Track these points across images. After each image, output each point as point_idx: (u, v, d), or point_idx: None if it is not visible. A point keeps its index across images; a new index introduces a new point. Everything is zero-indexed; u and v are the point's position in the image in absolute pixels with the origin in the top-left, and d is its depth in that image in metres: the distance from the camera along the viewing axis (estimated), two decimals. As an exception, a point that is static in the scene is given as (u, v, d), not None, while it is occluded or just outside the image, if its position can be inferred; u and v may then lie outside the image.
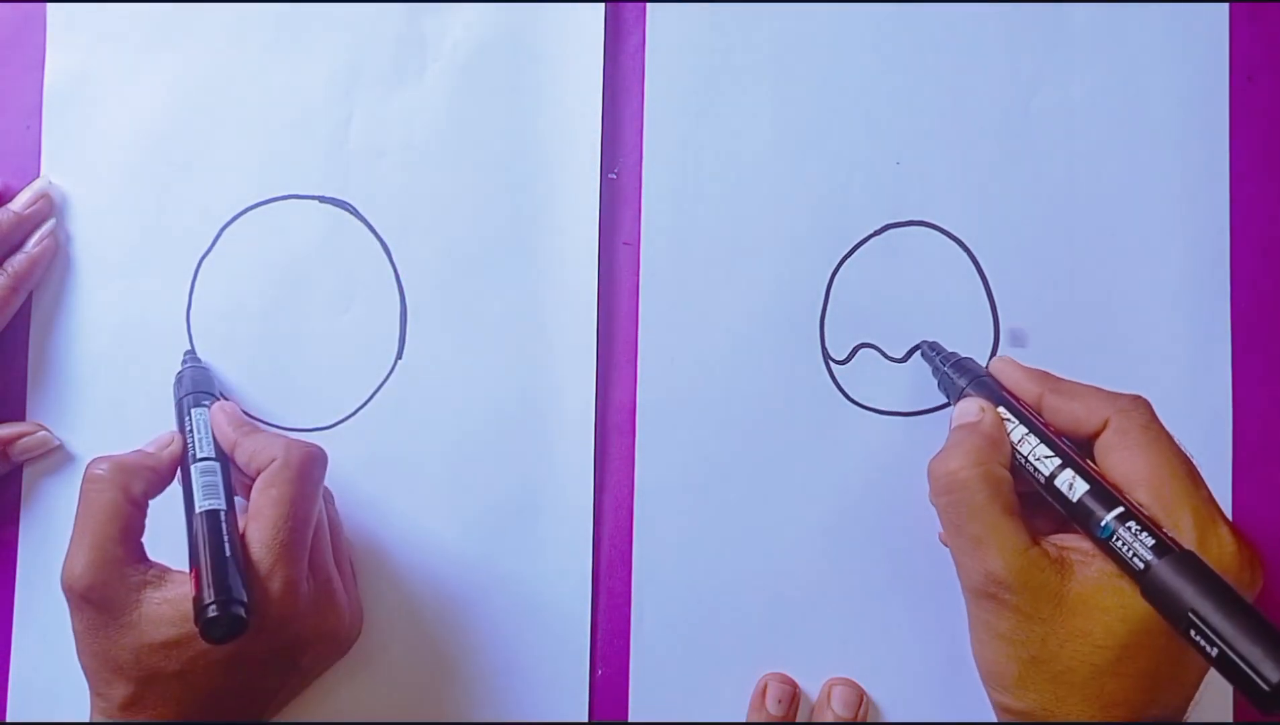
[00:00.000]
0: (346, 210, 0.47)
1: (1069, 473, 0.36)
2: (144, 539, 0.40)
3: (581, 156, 0.47)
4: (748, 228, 0.46)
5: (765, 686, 0.44)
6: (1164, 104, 0.46)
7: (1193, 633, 0.31)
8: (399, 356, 0.47)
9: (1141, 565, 0.33)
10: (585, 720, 0.45)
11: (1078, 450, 0.37)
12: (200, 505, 0.39)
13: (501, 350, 0.46)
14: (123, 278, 0.47)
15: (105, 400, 0.47)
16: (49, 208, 0.47)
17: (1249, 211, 0.46)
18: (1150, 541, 0.33)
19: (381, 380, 0.47)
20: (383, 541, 0.46)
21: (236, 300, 0.47)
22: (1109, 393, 0.38)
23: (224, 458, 0.42)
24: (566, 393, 0.46)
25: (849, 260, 0.46)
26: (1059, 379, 0.40)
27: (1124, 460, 0.36)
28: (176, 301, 0.47)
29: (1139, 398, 0.38)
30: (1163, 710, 0.35)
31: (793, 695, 0.44)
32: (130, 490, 0.39)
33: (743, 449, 0.46)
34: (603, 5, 0.47)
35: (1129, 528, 0.34)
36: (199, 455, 0.41)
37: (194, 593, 0.36)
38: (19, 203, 0.46)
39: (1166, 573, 0.32)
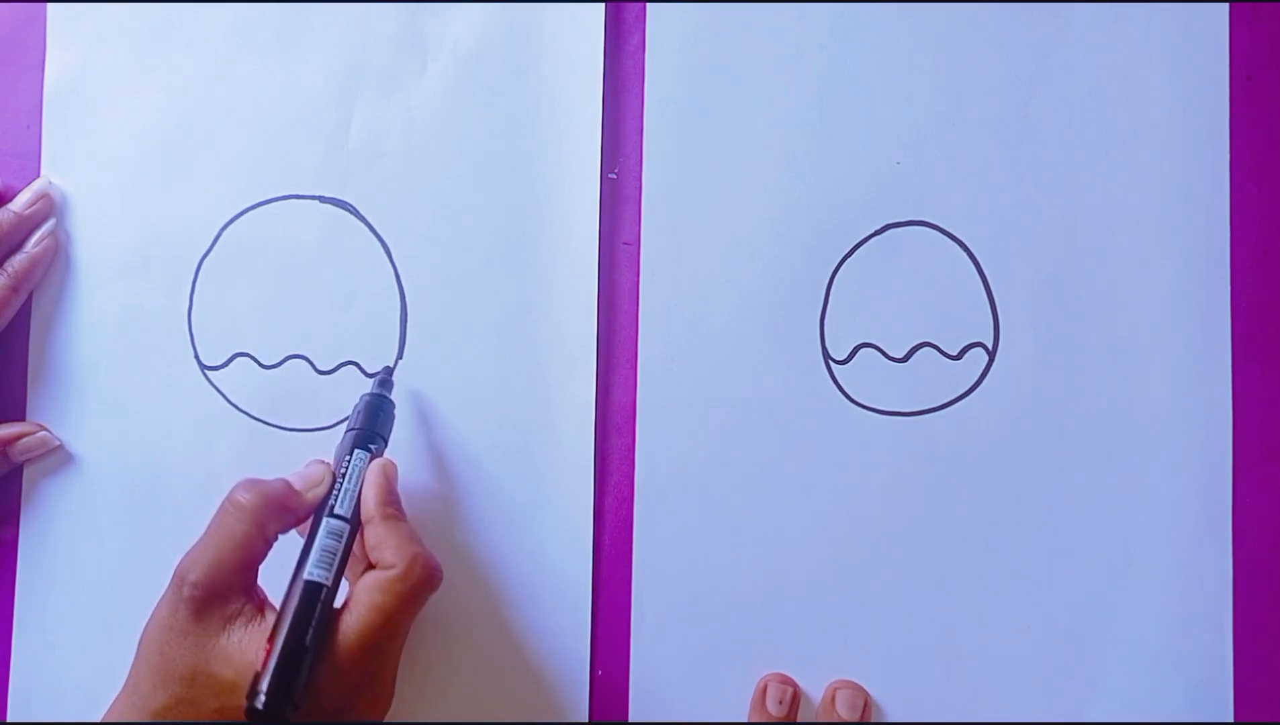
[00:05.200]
0: (346, 210, 0.47)
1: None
2: None
3: (581, 156, 0.47)
4: (748, 227, 0.46)
5: (765, 687, 0.44)
6: (1164, 104, 0.46)
7: None
8: (399, 356, 0.47)
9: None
10: (585, 720, 0.45)
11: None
12: (309, 571, 0.38)
13: (501, 350, 0.46)
14: (123, 278, 0.47)
15: (105, 400, 0.47)
16: (49, 208, 0.47)
17: (1249, 211, 0.46)
18: None
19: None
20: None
21: (237, 300, 0.47)
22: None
23: (358, 522, 0.41)
24: (566, 393, 0.46)
25: (849, 260, 0.46)
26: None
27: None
28: (177, 301, 0.47)
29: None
30: None
31: (793, 695, 0.44)
32: (266, 529, 0.40)
33: (743, 449, 0.46)
34: (603, 5, 0.47)
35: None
36: (336, 509, 0.40)
37: (259, 667, 0.36)
38: (19, 203, 0.46)
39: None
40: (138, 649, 0.39)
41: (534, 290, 0.46)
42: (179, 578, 0.38)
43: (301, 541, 0.40)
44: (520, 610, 0.46)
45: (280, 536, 0.41)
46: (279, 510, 0.40)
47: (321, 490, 0.41)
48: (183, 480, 0.46)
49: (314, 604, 0.38)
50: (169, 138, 0.48)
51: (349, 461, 0.41)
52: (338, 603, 0.39)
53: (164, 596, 0.39)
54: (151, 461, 0.47)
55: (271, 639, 0.37)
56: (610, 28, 0.47)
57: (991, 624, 0.45)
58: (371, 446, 0.42)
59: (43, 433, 0.46)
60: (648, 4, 0.47)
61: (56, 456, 0.47)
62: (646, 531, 0.46)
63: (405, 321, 0.47)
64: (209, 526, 0.40)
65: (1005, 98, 0.46)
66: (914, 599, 0.45)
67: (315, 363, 0.47)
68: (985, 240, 0.46)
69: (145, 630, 0.39)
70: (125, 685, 0.39)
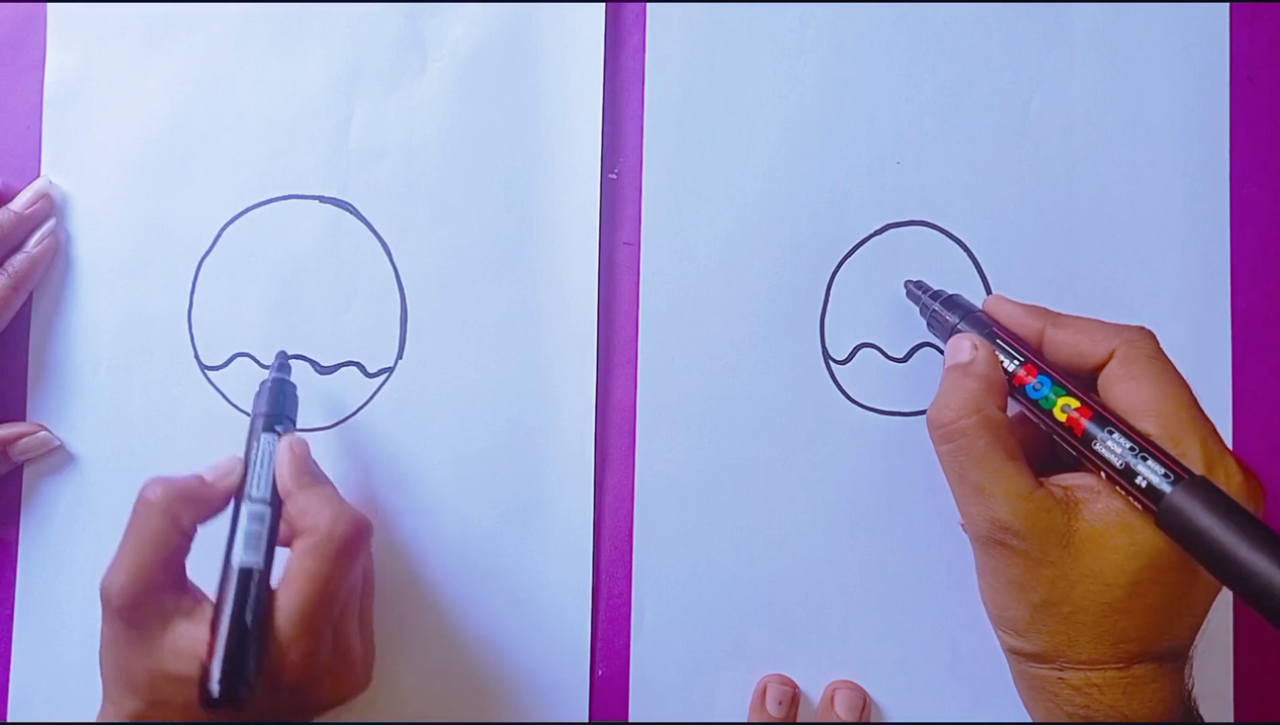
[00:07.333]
0: (346, 210, 0.47)
1: (1073, 407, 0.36)
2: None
3: (581, 156, 0.47)
4: (748, 227, 0.46)
5: (765, 688, 0.44)
6: (1164, 104, 0.46)
7: (1211, 558, 0.32)
8: (399, 356, 0.47)
9: (1156, 494, 0.33)
10: (585, 720, 0.45)
11: (1079, 384, 0.37)
12: (238, 558, 0.38)
13: (502, 350, 0.46)
14: (123, 278, 0.47)
15: (105, 400, 0.47)
16: (49, 208, 0.47)
17: (1249, 211, 0.46)
18: (1161, 470, 0.33)
19: (382, 381, 0.47)
20: (382, 541, 0.46)
21: (237, 300, 0.47)
22: (1113, 324, 0.38)
23: (279, 500, 0.40)
24: (567, 393, 0.46)
25: (849, 260, 0.46)
26: (1058, 313, 0.39)
27: (1130, 391, 0.36)
28: (177, 301, 0.47)
29: (1144, 329, 0.38)
30: (1173, 642, 0.35)
31: (793, 696, 0.44)
32: (180, 521, 0.39)
33: (743, 449, 0.46)
34: (603, 5, 0.47)
35: (1140, 457, 0.34)
36: (254, 494, 0.40)
37: (205, 657, 0.36)
38: (19, 203, 0.46)
39: (1182, 499, 0.32)
40: (100, 671, 0.39)
41: (534, 290, 0.46)
42: (104, 596, 0.38)
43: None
44: (520, 610, 0.46)
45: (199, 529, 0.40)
46: (190, 500, 0.40)
47: (233, 478, 0.41)
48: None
49: (248, 587, 0.37)
50: (169, 137, 0.48)
51: (258, 446, 0.41)
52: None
53: (101, 617, 0.39)
54: (151, 461, 0.47)
55: (212, 628, 0.37)
56: (610, 28, 0.47)
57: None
58: (278, 427, 0.42)
59: (43, 433, 0.46)
60: (648, 4, 0.47)
61: (56, 456, 0.47)
62: (646, 531, 0.46)
63: (405, 321, 0.47)
64: (124, 533, 0.39)
65: (1005, 98, 0.46)
66: (914, 599, 0.45)
67: (315, 363, 0.47)
68: (985, 240, 0.46)
69: (99, 652, 0.39)
70: (102, 703, 0.39)
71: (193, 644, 0.37)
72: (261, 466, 0.41)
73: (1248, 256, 0.46)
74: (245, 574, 0.38)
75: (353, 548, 0.39)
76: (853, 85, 0.47)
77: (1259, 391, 0.45)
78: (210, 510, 0.41)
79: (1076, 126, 0.46)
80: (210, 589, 0.39)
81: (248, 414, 0.46)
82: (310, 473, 0.41)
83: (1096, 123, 0.46)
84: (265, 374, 0.46)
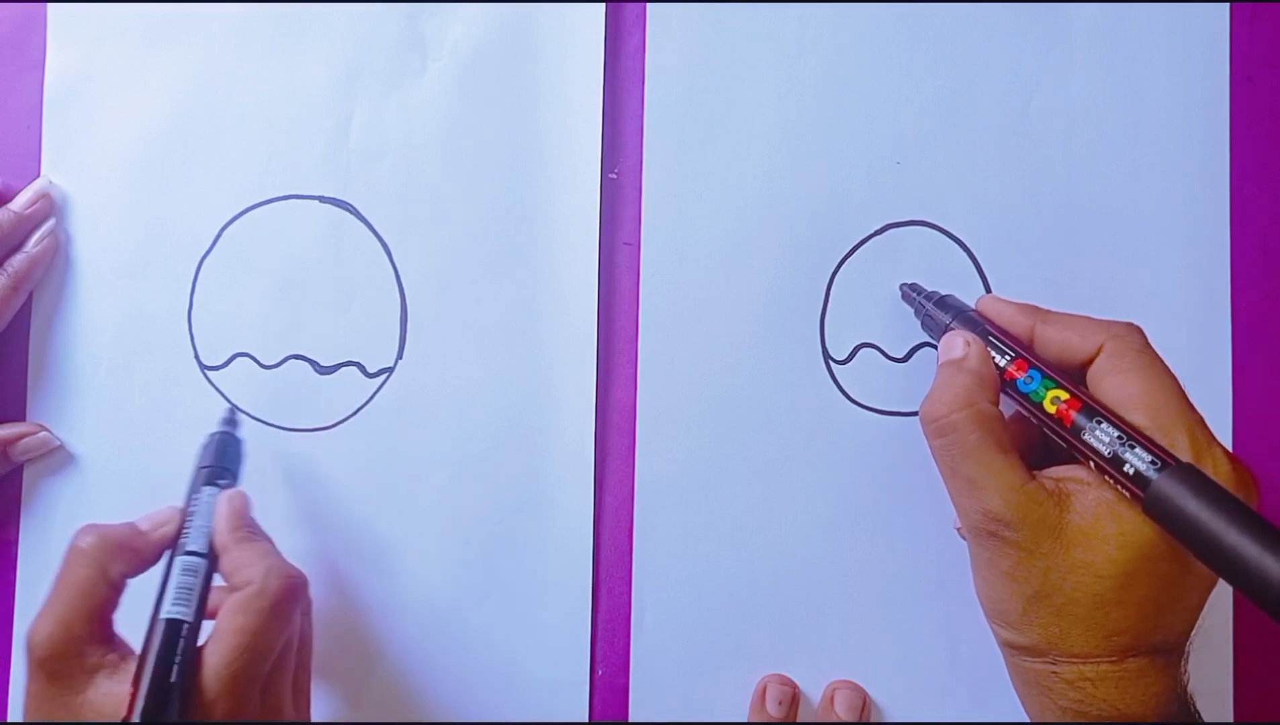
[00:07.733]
0: (346, 210, 0.47)
1: (1063, 399, 0.36)
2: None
3: (581, 156, 0.47)
4: (748, 227, 0.46)
5: (765, 688, 0.44)
6: (1164, 104, 0.46)
7: (1199, 544, 0.32)
8: (399, 356, 0.47)
9: (1143, 481, 0.33)
10: (585, 720, 0.45)
11: (1070, 378, 0.37)
12: (166, 610, 0.37)
13: (502, 350, 0.46)
14: (123, 278, 0.47)
15: (105, 400, 0.47)
16: (49, 207, 0.47)
17: (1249, 211, 0.46)
18: (1149, 457, 0.33)
19: (382, 381, 0.47)
20: (382, 541, 0.46)
21: (237, 300, 0.47)
22: (1101, 320, 0.38)
23: (215, 555, 0.39)
24: (567, 393, 0.46)
25: (849, 260, 0.46)
26: (1048, 310, 0.40)
27: (1118, 384, 0.36)
28: (177, 301, 0.47)
29: (1131, 324, 0.38)
30: (1166, 635, 0.35)
31: (792, 696, 0.44)
32: (109, 572, 0.38)
33: (743, 449, 0.46)
34: (603, 5, 0.47)
35: (1128, 446, 0.34)
36: (188, 547, 0.39)
37: (126, 712, 0.35)
38: (19, 202, 0.46)
39: (1169, 486, 0.32)
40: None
41: (534, 290, 0.46)
42: (28, 647, 0.36)
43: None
44: (520, 610, 0.46)
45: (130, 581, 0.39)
46: (121, 551, 0.38)
47: (169, 529, 0.40)
48: (182, 480, 0.46)
49: (175, 641, 0.36)
50: (169, 137, 0.48)
51: (197, 498, 0.40)
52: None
53: (26, 671, 0.37)
54: (151, 461, 0.47)
55: (136, 682, 0.35)
56: (610, 28, 0.47)
57: (991, 624, 0.45)
58: (220, 482, 0.41)
59: (43, 433, 0.46)
60: (648, 4, 0.47)
61: (56, 456, 0.47)
62: (646, 531, 0.46)
63: (405, 321, 0.47)
64: (54, 580, 0.37)
65: (1005, 98, 0.46)
66: (914, 598, 0.45)
67: (315, 363, 0.47)
68: (985, 240, 0.46)
69: (24, 708, 0.37)
70: None
71: (114, 701, 0.35)
72: (199, 519, 0.40)
73: (1248, 256, 0.46)
74: (173, 626, 0.36)
75: (286, 604, 0.37)
76: (853, 85, 0.47)
77: (1259, 391, 0.45)
78: (142, 562, 0.39)
79: (1076, 126, 0.46)
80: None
81: (248, 414, 0.46)
82: (247, 527, 0.40)
83: (1096, 123, 0.46)
84: (266, 374, 0.47)
